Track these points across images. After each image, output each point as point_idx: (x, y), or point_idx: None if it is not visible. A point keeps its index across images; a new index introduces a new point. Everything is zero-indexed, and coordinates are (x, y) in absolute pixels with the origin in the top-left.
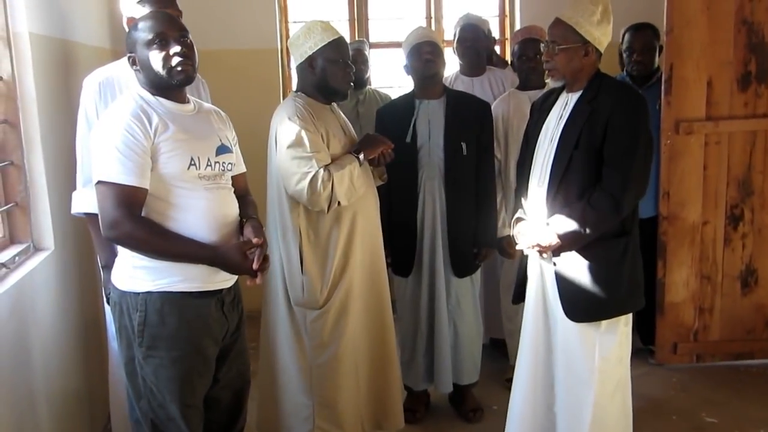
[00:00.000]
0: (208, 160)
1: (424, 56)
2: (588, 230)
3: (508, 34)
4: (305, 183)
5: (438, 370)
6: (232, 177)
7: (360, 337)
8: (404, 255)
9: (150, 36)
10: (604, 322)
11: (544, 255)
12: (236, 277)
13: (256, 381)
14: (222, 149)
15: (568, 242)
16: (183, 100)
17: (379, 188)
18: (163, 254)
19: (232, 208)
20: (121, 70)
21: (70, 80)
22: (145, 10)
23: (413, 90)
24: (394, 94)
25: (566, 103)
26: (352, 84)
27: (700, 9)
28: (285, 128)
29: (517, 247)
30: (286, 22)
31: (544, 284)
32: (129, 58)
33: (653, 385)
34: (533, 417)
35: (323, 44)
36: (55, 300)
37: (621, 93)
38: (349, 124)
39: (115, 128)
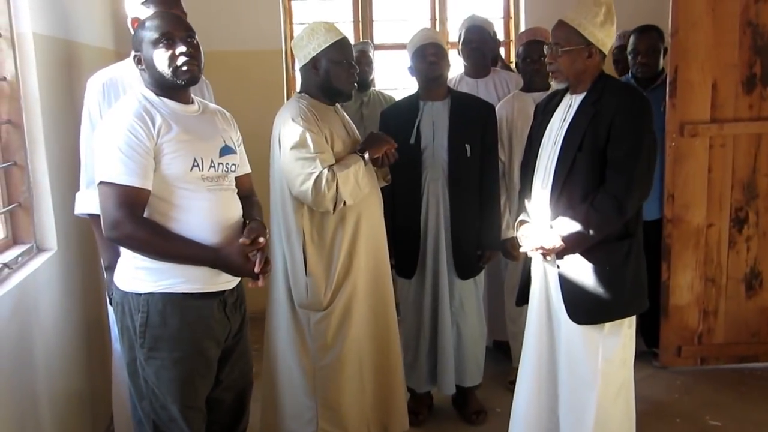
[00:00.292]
0: (212, 161)
1: (428, 58)
2: (592, 232)
3: (512, 36)
4: (309, 184)
5: (441, 371)
6: (236, 178)
7: (364, 338)
8: (408, 257)
9: (156, 35)
10: (607, 325)
11: (548, 258)
12: (239, 278)
13: (259, 382)
14: (226, 150)
15: (571, 245)
16: (187, 100)
17: (382, 190)
18: (165, 255)
19: (235, 210)
20: (125, 70)
21: (73, 81)
22: (150, 11)
23: (417, 91)
24: (399, 95)
25: (570, 105)
26: (356, 85)
27: (705, 11)
28: (288, 129)
29: (521, 250)
30: (291, 23)
31: (548, 286)
32: (134, 57)
33: (657, 388)
34: (537, 419)
35: (327, 45)
36: (58, 301)
37: (625, 95)
38: (353, 125)
39: (118, 128)
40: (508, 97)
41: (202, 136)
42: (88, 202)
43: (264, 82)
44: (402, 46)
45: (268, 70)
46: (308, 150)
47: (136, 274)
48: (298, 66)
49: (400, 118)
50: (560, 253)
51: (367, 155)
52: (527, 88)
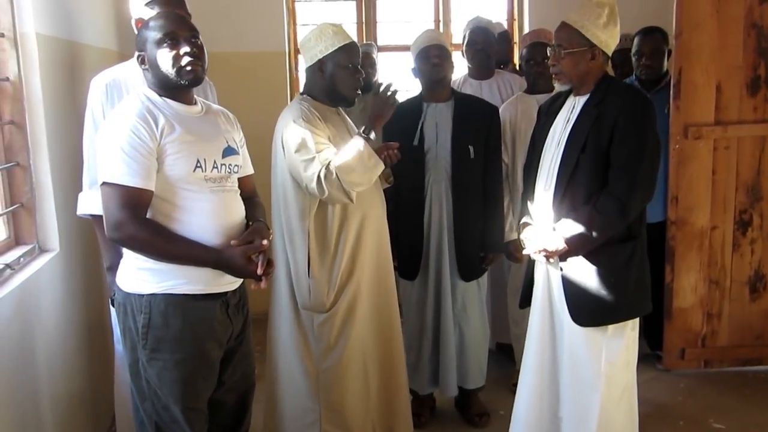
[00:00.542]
0: (215, 162)
1: (432, 60)
2: (595, 235)
3: (516, 38)
4: (314, 186)
5: (443, 373)
6: (239, 179)
7: (367, 340)
8: (410, 258)
9: (160, 35)
10: (610, 327)
11: (551, 260)
12: (242, 279)
13: (261, 384)
14: (228, 151)
15: (575, 247)
16: (190, 101)
17: (386, 191)
18: (167, 257)
19: (238, 211)
20: (128, 71)
21: (76, 81)
22: (154, 11)
23: (421, 93)
24: (402, 97)
25: (573, 107)
26: (359, 91)
27: (710, 13)
28: (290, 132)
29: (524, 252)
30: (294, 25)
31: (551, 288)
32: (138, 57)
33: (660, 391)
34: (538, 422)
35: (334, 49)
36: (60, 301)
37: (628, 96)
38: (356, 127)
39: (121, 129)
40: (512, 98)
41: (205, 137)
42: (90, 202)
43: (267, 83)
44: (406, 48)
45: (272, 72)
46: (309, 152)
47: (139, 275)
48: (303, 66)
49: (403, 119)
50: (563, 256)
51: (372, 134)
52: (531, 90)
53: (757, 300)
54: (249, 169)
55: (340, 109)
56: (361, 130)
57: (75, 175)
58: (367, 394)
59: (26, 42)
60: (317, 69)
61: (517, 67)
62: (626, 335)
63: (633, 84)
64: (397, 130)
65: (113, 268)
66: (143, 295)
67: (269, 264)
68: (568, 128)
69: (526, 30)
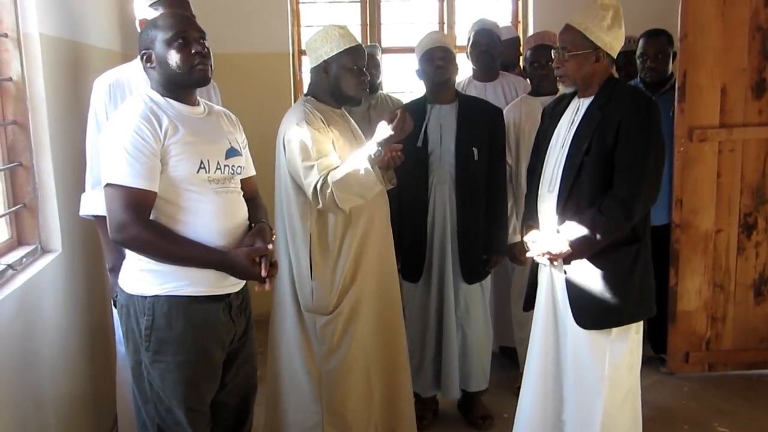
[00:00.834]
0: (218, 163)
1: (436, 62)
2: (599, 237)
3: (521, 40)
4: (310, 192)
5: (445, 375)
6: (241, 180)
7: (371, 342)
8: (413, 260)
9: (172, 33)
10: (614, 330)
11: (555, 262)
12: (244, 281)
13: (264, 386)
14: (231, 152)
15: (579, 250)
16: (193, 102)
17: (389, 193)
18: (171, 258)
19: (241, 213)
20: (131, 72)
21: (80, 82)
22: (158, 12)
23: (425, 94)
24: (406, 99)
25: (578, 109)
26: (365, 92)
27: (715, 15)
28: (293, 134)
29: (528, 255)
30: (298, 26)
31: (554, 291)
32: (143, 55)
33: (664, 394)
34: (542, 425)
35: (339, 51)
36: (62, 302)
37: (633, 99)
38: (359, 129)
39: (125, 130)
40: (516, 100)
41: (209, 138)
42: (93, 203)
43: (271, 84)
44: (410, 50)
45: (276, 73)
46: (309, 158)
47: (142, 276)
48: (308, 67)
49: None
50: (567, 258)
51: (376, 151)
52: (535, 92)
53: (762, 303)
54: (251, 171)
55: (344, 110)
56: (373, 153)
57: (78, 176)
58: (369, 396)
59: (29, 42)
60: (322, 70)
61: (523, 70)
62: (630, 338)
63: (638, 86)
64: None
65: (116, 269)
66: (146, 297)
67: (273, 266)
68: (573, 130)
69: (531, 32)
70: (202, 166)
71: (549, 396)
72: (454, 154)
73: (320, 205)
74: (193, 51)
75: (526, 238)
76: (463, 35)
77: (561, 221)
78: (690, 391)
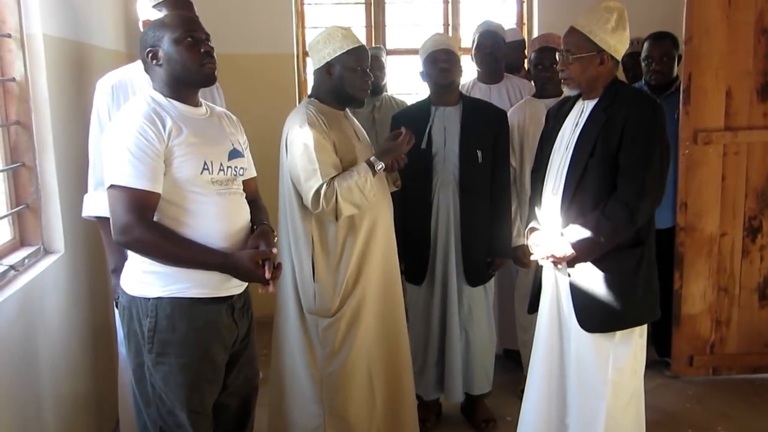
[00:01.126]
0: (221, 164)
1: (440, 64)
2: (603, 240)
3: (526, 42)
4: (310, 196)
5: (448, 378)
6: (243, 181)
7: (373, 345)
8: (417, 263)
9: (181, 32)
10: (618, 333)
11: (559, 266)
12: (247, 283)
13: (266, 388)
14: (234, 153)
15: (582, 253)
16: (196, 103)
17: (393, 195)
18: (175, 260)
19: (244, 214)
20: (134, 72)
21: (84, 82)
22: (162, 13)
23: (429, 96)
24: (411, 100)
25: (582, 111)
26: (369, 92)
27: (720, 18)
28: (295, 137)
29: (532, 258)
30: (303, 27)
31: (559, 294)
32: (148, 53)
33: (668, 398)
34: (545, 428)
35: (342, 51)
36: (64, 303)
37: (637, 101)
38: (363, 130)
39: (128, 131)
40: (520, 103)
41: (212, 139)
42: (95, 204)
43: (276, 85)
44: (414, 51)
45: (280, 74)
46: (311, 162)
47: (144, 278)
48: (312, 68)
49: (411, 122)
50: (571, 261)
51: (379, 165)
52: (539, 95)
53: (767, 307)
54: (252, 172)
55: (348, 111)
56: (378, 168)
57: (81, 177)
58: (372, 400)
59: (33, 43)
60: (325, 71)
61: (528, 72)
62: (634, 342)
63: (642, 88)
64: None
65: (118, 270)
66: (149, 299)
67: (277, 268)
68: (577, 132)
69: (536, 34)
70: (206, 167)
71: (553, 399)
72: (458, 157)
73: (319, 209)
74: (202, 50)
75: (529, 241)
76: (467, 37)
77: (565, 224)
78: (694, 394)
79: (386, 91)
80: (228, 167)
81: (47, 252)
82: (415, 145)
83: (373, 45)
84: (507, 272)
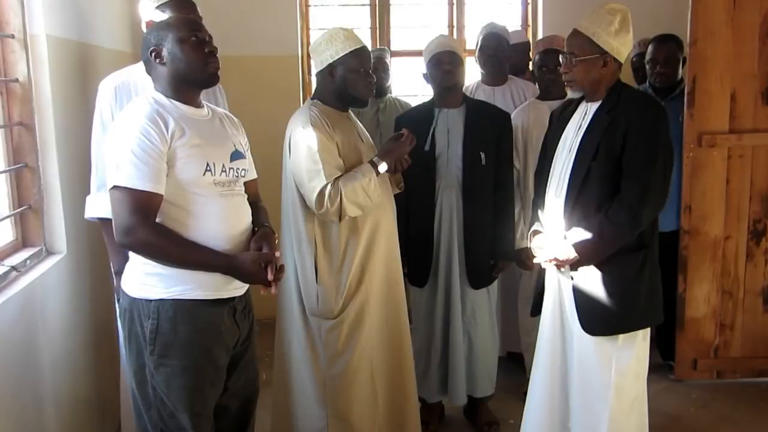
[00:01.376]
0: (223, 166)
1: (443, 66)
2: (606, 244)
3: (530, 44)
4: (314, 197)
5: (452, 381)
6: (244, 183)
7: (376, 347)
8: (420, 265)
9: (186, 31)
10: (621, 337)
11: (562, 269)
12: (248, 285)
13: (270, 390)
14: (236, 155)
15: (585, 256)
16: (198, 104)
17: (396, 197)
18: (178, 262)
19: (246, 216)
20: (137, 74)
21: (88, 83)
22: (165, 15)
23: (433, 98)
24: (416, 102)
25: (585, 113)
26: (372, 93)
27: (725, 21)
28: (298, 138)
29: (535, 261)
30: (307, 29)
31: (561, 297)
32: (152, 52)
33: (672, 402)
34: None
35: (345, 53)
36: (66, 304)
37: (641, 104)
38: (366, 132)
39: (131, 131)
40: (524, 105)
41: (214, 141)
42: (98, 205)
43: (280, 87)
44: (419, 53)
45: (285, 76)
46: (315, 162)
47: (146, 280)
48: (314, 71)
49: (415, 124)
50: (574, 265)
51: (382, 166)
52: (543, 97)
53: None
54: (253, 174)
55: (351, 113)
56: (380, 169)
57: (84, 178)
58: (374, 402)
59: (36, 43)
60: (327, 73)
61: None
62: (637, 345)
63: (647, 91)
64: None
65: (121, 272)
66: (151, 301)
67: (280, 270)
68: (580, 135)
69: (541, 36)
70: (208, 168)
71: (555, 402)
72: (461, 159)
73: (323, 210)
74: (206, 50)
75: (532, 244)
76: (472, 39)
77: (568, 226)
78: (698, 398)
79: (391, 93)
80: (230, 169)
81: (49, 253)
82: (419, 147)
83: (378, 46)
84: (511, 275)
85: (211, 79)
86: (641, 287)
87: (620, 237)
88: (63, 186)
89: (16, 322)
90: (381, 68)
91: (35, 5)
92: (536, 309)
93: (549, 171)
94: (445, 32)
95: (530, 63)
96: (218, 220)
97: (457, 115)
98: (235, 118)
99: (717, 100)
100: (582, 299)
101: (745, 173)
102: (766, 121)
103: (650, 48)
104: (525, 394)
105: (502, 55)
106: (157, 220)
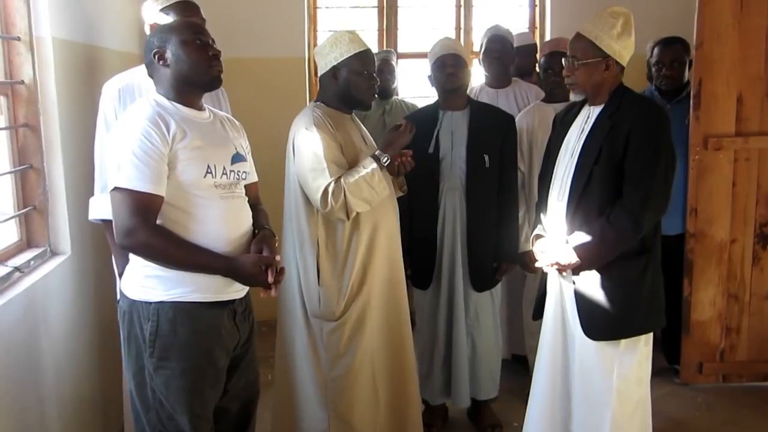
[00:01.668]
0: (224, 168)
1: (447, 69)
2: (608, 248)
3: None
4: (318, 197)
5: (455, 383)
6: (245, 186)
7: (377, 351)
8: (423, 267)
9: (190, 34)
10: (623, 341)
11: (564, 273)
12: (248, 287)
13: (272, 391)
14: (237, 157)
15: (587, 261)
16: (199, 107)
17: (400, 199)
18: (179, 264)
19: (247, 219)
20: (141, 76)
21: (94, 84)
22: (169, 18)
23: (437, 101)
24: (423, 104)
25: (588, 117)
26: (375, 95)
27: (731, 24)
28: (302, 139)
29: (536, 265)
30: (315, 31)
31: (563, 301)
32: (155, 53)
33: (678, 405)
34: None
35: (348, 55)
36: (70, 304)
37: (642, 108)
38: (369, 134)
39: (132, 133)
40: (530, 107)
41: (215, 143)
42: (102, 207)
43: (287, 89)
44: (427, 55)
45: (292, 78)
46: (319, 161)
47: (146, 282)
48: (319, 74)
49: (419, 126)
50: (576, 269)
51: (384, 157)
52: (549, 99)
53: None
54: (254, 177)
55: (354, 115)
56: (383, 159)
57: (88, 179)
58: (376, 404)
59: (42, 46)
60: (331, 76)
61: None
62: (639, 350)
63: (653, 93)
64: (413, 137)
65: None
66: (150, 303)
67: (280, 272)
68: (582, 138)
69: (548, 38)
70: (209, 170)
71: (557, 406)
72: (465, 161)
73: (327, 209)
74: (210, 53)
75: (534, 248)
76: (480, 41)
77: (570, 230)
78: (703, 402)
79: (397, 95)
80: (231, 171)
81: (54, 254)
82: (423, 149)
83: (385, 48)
84: (516, 277)
85: (214, 82)
86: (643, 292)
87: (622, 241)
88: (68, 187)
89: (18, 323)
90: (387, 70)
91: (41, 8)
92: (538, 313)
93: (552, 175)
94: (453, 34)
95: (537, 65)
96: (219, 222)
97: (461, 117)
98: (236, 121)
99: (723, 102)
100: (583, 303)
101: (752, 176)
102: None
103: (656, 50)
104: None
105: (507, 57)
106: (158, 222)
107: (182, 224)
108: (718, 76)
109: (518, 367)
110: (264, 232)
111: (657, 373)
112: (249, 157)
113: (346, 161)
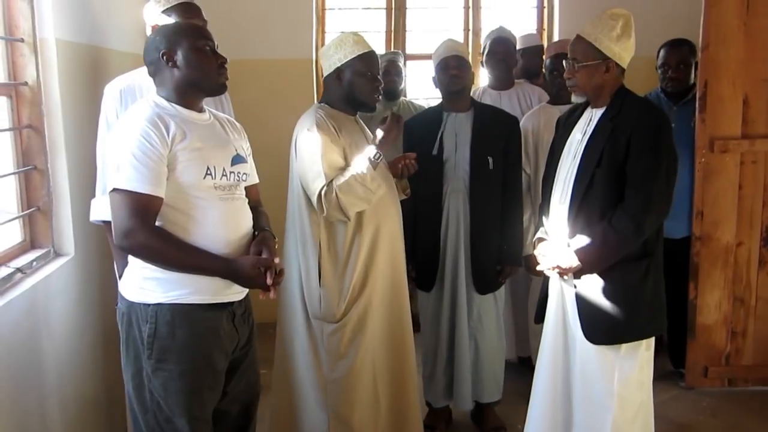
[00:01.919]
0: (224, 169)
1: (451, 71)
2: (609, 252)
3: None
4: (315, 199)
5: (457, 386)
6: (245, 188)
7: (378, 352)
8: (427, 269)
9: (202, 40)
10: (624, 346)
11: (565, 276)
12: (247, 289)
13: (271, 393)
14: (237, 159)
15: (588, 264)
16: (200, 109)
17: (403, 201)
18: (177, 265)
19: (247, 220)
20: (143, 77)
21: (99, 86)
22: (171, 19)
23: (441, 102)
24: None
25: (590, 119)
26: (380, 97)
27: (737, 26)
28: (303, 140)
29: (538, 268)
30: (323, 32)
31: (564, 305)
32: (163, 54)
33: (683, 409)
34: None
35: (352, 57)
36: (74, 305)
37: (643, 111)
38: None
39: (132, 134)
40: (535, 109)
41: (215, 145)
42: (103, 208)
43: (294, 90)
44: None
45: (299, 79)
46: (317, 164)
47: (145, 284)
48: (324, 75)
49: (423, 128)
50: (577, 273)
51: (376, 155)
52: (554, 101)
53: None
54: (255, 179)
55: (358, 117)
56: (372, 156)
57: (92, 180)
58: (376, 406)
59: (45, 47)
60: (335, 77)
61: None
62: (640, 355)
63: (659, 95)
64: (417, 138)
65: None
66: (149, 305)
67: (279, 274)
68: (585, 141)
69: (555, 40)
70: (209, 172)
71: (558, 410)
72: (468, 163)
73: (325, 212)
74: (219, 61)
75: (536, 251)
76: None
77: (572, 233)
78: (708, 406)
79: (404, 96)
80: (231, 172)
81: (57, 254)
82: (426, 151)
83: (393, 50)
84: (521, 279)
85: (220, 89)
86: (644, 296)
87: (623, 245)
88: (72, 188)
89: (20, 323)
90: (393, 71)
91: (45, 9)
92: (539, 316)
93: (554, 177)
94: (461, 36)
95: (543, 67)
96: (218, 224)
97: (465, 119)
98: (237, 123)
99: (729, 105)
100: (584, 307)
101: (758, 179)
102: None
103: (662, 53)
104: None
105: (510, 59)
106: (157, 223)
107: (181, 226)
108: (724, 78)
109: (524, 369)
110: (264, 234)
111: (662, 376)
112: (250, 159)
113: (348, 163)
